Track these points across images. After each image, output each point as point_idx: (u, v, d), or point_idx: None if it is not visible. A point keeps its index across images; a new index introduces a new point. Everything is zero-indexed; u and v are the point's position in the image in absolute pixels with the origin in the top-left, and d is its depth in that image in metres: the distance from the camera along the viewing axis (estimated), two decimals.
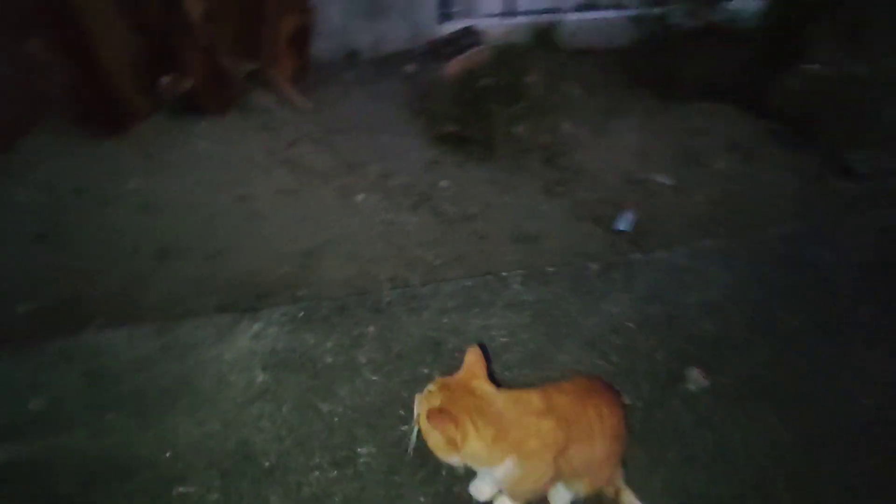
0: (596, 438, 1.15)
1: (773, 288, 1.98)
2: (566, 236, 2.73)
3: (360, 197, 2.79)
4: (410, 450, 1.25)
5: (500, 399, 1.07)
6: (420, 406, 1.08)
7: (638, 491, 1.33)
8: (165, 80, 2.59)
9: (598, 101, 3.58)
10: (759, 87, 3.56)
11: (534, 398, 1.10)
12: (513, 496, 1.21)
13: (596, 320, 1.80)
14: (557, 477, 1.15)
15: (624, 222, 2.80)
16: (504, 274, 1.97)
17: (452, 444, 1.01)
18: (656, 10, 3.86)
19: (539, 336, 1.72)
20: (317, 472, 1.36)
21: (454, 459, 1.07)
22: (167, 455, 1.37)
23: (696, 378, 1.64)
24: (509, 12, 4.49)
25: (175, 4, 2.40)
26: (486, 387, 1.08)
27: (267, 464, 1.37)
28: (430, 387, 1.10)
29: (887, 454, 1.48)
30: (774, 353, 1.74)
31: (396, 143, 3.27)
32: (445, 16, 4.36)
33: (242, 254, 2.36)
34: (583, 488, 1.27)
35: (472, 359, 1.11)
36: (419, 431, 1.11)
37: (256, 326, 1.70)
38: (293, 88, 3.16)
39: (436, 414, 1.00)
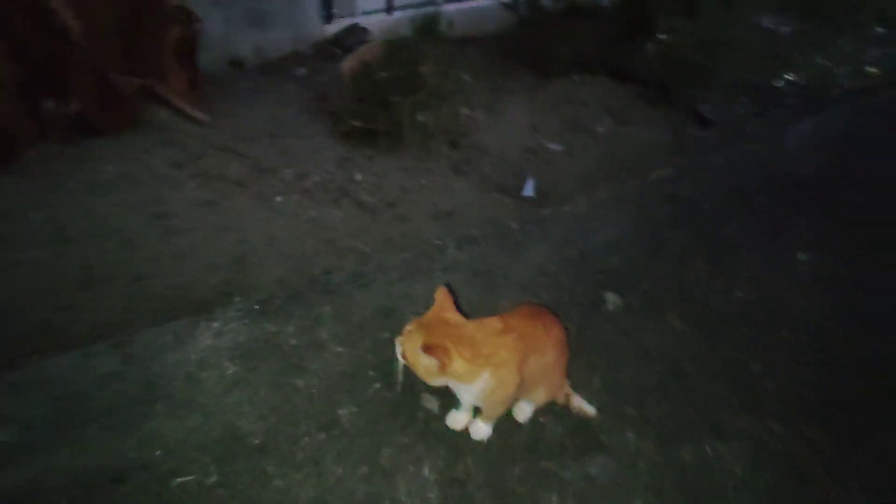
0: (547, 348, 1.43)
1: (658, 220, 2.43)
2: (480, 208, 3.04)
3: (278, 199, 2.88)
4: (399, 386, 1.45)
5: (469, 325, 1.31)
6: (403, 346, 1.29)
7: (582, 394, 1.65)
8: (49, 103, 2.48)
9: (487, 84, 3.95)
10: (622, 58, 4.15)
11: (494, 322, 1.35)
12: (487, 410, 1.45)
13: (523, 268, 2.11)
14: (521, 386, 1.41)
15: (528, 188, 3.18)
16: (437, 242, 2.21)
17: (441, 368, 1.23)
18: None
19: (478, 289, 1.99)
20: (306, 438, 1.50)
21: (440, 382, 1.29)
22: (157, 454, 1.43)
23: (612, 300, 2.00)
24: (389, 8, 4.73)
25: (51, 23, 2.32)
26: (456, 317, 1.32)
27: (257, 441, 1.49)
28: (408, 327, 1.30)
29: (760, 330, 1.94)
30: (667, 270, 2.17)
31: (304, 144, 3.37)
32: (328, 17, 4.50)
33: (170, 271, 2.36)
34: (541, 397, 1.55)
35: (442, 296, 1.34)
36: (404, 367, 1.31)
37: (216, 325, 1.78)
38: (187, 101, 3.14)
39: (430, 347, 1.21)
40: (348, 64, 3.69)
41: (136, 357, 1.65)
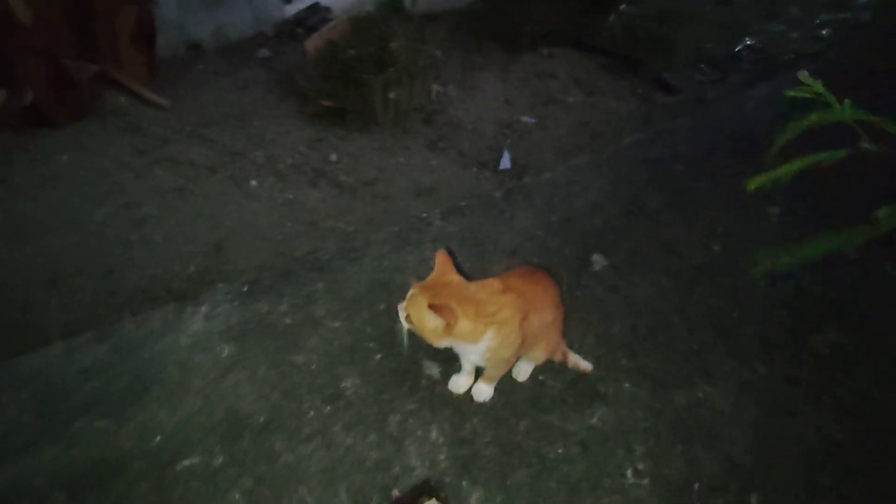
0: (546, 307, 1.46)
1: (634, 182, 2.50)
2: (461, 183, 3.06)
3: (253, 183, 2.82)
4: (404, 351, 1.45)
5: (471, 286, 1.33)
6: (407, 309, 1.29)
7: (577, 350, 1.70)
8: (0, 94, 2.34)
9: (457, 60, 3.94)
10: (587, 30, 4.20)
11: (494, 282, 1.37)
12: (490, 370, 1.48)
13: (511, 235, 2.14)
14: (523, 344, 1.44)
15: (505, 161, 3.21)
16: (424, 215, 2.21)
17: (447, 328, 1.24)
18: None
19: (470, 257, 2.01)
20: (311, 413, 1.50)
21: (445, 343, 1.30)
22: (157, 440, 1.40)
23: (598, 260, 2.06)
24: None
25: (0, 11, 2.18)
26: (458, 278, 1.33)
27: (261, 419, 1.48)
28: (412, 291, 1.31)
29: (737, 280, 2.03)
30: (647, 229, 2.24)
31: (273, 127, 3.30)
32: None
33: (144, 262, 2.29)
34: (540, 356, 1.58)
35: (442, 258, 1.35)
36: (409, 332, 1.32)
37: (204, 309, 1.74)
38: (146, 87, 3.02)
39: (436, 307, 1.22)
40: (313, 43, 3.61)
41: (122, 347, 1.60)
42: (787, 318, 1.92)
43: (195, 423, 1.45)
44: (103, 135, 2.64)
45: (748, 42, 4.10)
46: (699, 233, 2.24)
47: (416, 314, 1.26)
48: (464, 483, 1.39)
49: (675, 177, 2.56)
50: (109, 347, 1.59)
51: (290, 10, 4.27)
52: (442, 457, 1.43)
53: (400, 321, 1.32)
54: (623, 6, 4.21)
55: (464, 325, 1.27)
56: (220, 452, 1.40)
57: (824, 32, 3.82)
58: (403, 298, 1.32)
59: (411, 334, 1.33)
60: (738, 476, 1.46)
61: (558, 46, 4.12)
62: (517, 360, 1.61)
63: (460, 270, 1.36)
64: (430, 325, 1.26)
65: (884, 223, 1.23)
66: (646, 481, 1.43)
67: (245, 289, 1.82)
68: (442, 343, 1.31)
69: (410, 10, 4.40)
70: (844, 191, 2.49)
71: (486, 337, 1.32)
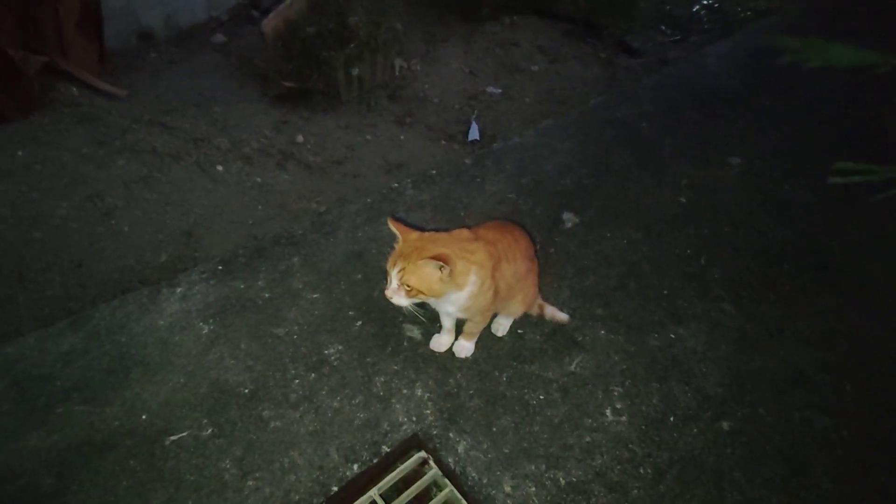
0: (518, 256, 1.52)
1: (601, 143, 2.57)
2: (430, 157, 3.09)
3: (219, 168, 2.80)
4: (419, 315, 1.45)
5: (441, 236, 1.37)
6: (404, 281, 1.28)
7: (553, 303, 1.77)
8: None
9: (419, 33, 3.93)
10: None
11: (464, 231, 1.42)
12: (470, 322, 1.53)
13: (483, 199, 2.19)
14: (498, 295, 1.49)
15: (473, 132, 3.25)
16: (395, 185, 2.24)
17: (451, 274, 1.28)
18: None
19: (443, 222, 2.06)
20: (297, 381, 1.54)
21: (444, 293, 1.32)
22: (143, 418, 1.43)
23: (569, 218, 2.13)
24: None
25: None
26: (424, 234, 1.36)
27: (247, 390, 1.51)
28: (397, 267, 1.29)
29: (703, 228, 2.13)
30: (615, 186, 2.32)
31: (235, 111, 3.26)
32: None
33: (113, 253, 2.27)
34: (517, 310, 1.65)
35: (394, 225, 1.35)
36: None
37: (180, 290, 1.75)
38: (97, 76, 2.95)
39: (441, 256, 1.26)
40: (271, 23, 3.56)
41: (99, 332, 1.61)
42: (751, 260, 2.03)
43: (181, 399, 1.48)
44: (59, 127, 2.58)
45: (705, 2, 4.20)
46: (665, 187, 2.33)
47: (418, 277, 1.28)
48: (451, 434, 1.45)
49: (640, 135, 2.64)
50: (85, 334, 1.60)
51: None
52: (428, 411, 1.50)
53: (403, 305, 1.32)
54: None
55: (460, 266, 1.31)
56: (209, 425, 1.43)
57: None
58: (385, 285, 1.31)
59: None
60: (710, 406, 1.56)
61: (520, 15, 4.15)
62: (496, 316, 1.67)
63: (419, 229, 1.39)
64: (434, 277, 1.28)
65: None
66: (624, 418, 1.52)
67: (220, 268, 1.84)
68: (443, 293, 1.32)
69: None
70: (804, 141, 2.62)
71: (471, 280, 1.36)
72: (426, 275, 1.29)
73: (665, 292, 1.88)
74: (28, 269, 2.14)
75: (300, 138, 3.13)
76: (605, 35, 3.93)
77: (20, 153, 2.44)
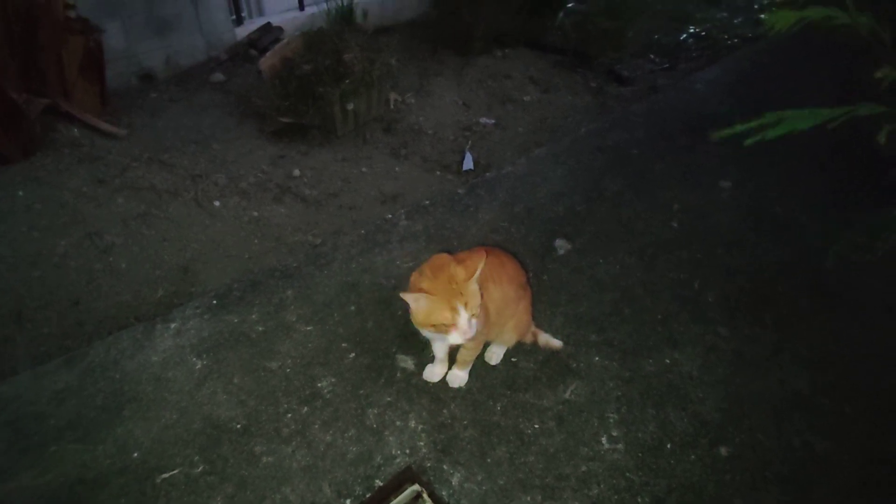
0: (504, 279, 1.53)
1: (594, 170, 2.62)
2: (426, 187, 3.14)
3: (216, 204, 2.85)
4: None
5: (430, 268, 1.39)
6: (469, 308, 1.31)
7: (547, 330, 1.78)
8: None
9: (413, 67, 4.05)
10: (538, 30, 4.37)
11: (443, 257, 1.43)
12: (464, 349, 1.54)
13: (476, 228, 2.23)
14: (488, 321, 1.50)
15: (467, 162, 3.31)
16: (389, 216, 2.28)
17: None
18: None
19: (436, 252, 2.08)
20: (289, 415, 1.54)
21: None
22: (135, 455, 1.42)
23: (562, 245, 2.16)
24: (301, 4, 4.72)
25: None
26: (428, 272, 1.38)
27: (239, 426, 1.51)
28: (458, 304, 1.31)
29: (696, 251, 2.15)
30: (608, 212, 2.36)
31: (233, 148, 3.34)
32: (238, 19, 4.44)
33: (111, 290, 2.30)
34: (511, 338, 1.65)
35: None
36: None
37: (174, 325, 1.77)
38: (98, 117, 3.04)
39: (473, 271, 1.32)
40: (268, 62, 3.67)
41: (93, 369, 1.62)
42: (746, 282, 2.04)
43: (173, 436, 1.48)
44: (59, 167, 2.65)
45: (692, 30, 4.33)
46: (657, 211, 2.36)
47: (475, 298, 1.33)
48: (445, 466, 1.44)
49: (632, 161, 2.69)
50: (80, 371, 1.61)
51: (242, 33, 4.33)
52: (422, 443, 1.49)
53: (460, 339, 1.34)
54: (571, 4, 4.40)
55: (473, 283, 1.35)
56: (200, 461, 1.43)
57: (763, 17, 4.05)
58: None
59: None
60: (708, 432, 1.55)
61: (512, 47, 4.27)
62: (489, 344, 1.68)
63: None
64: (478, 297, 1.34)
65: (863, 109, 1.33)
66: (620, 446, 1.51)
67: (214, 302, 1.86)
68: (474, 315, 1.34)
69: (363, 24, 4.52)
70: (794, 162, 2.66)
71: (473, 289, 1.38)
72: (476, 292, 1.33)
73: (659, 317, 1.88)
74: (26, 307, 2.16)
75: (297, 172, 3.19)
76: (595, 65, 4.05)
77: (21, 193, 2.50)
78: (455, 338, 1.34)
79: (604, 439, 1.52)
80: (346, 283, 1.94)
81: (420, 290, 1.33)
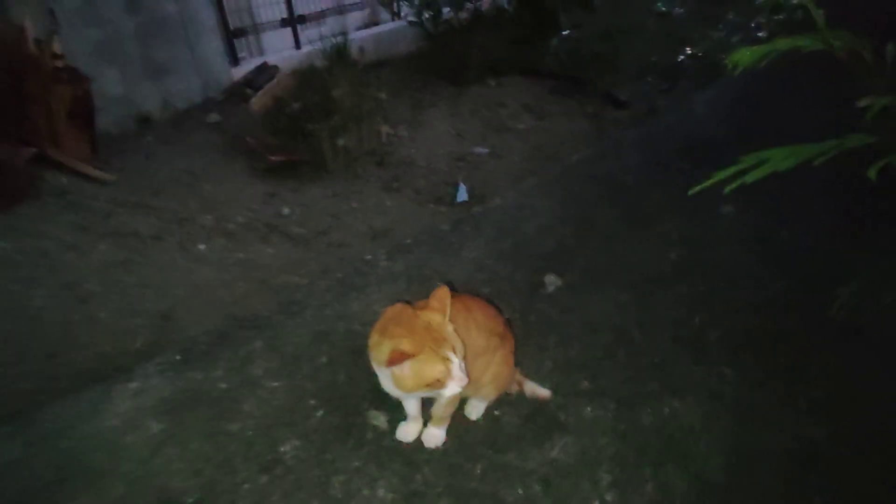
0: (471, 328, 1.38)
1: (586, 200, 2.48)
2: (417, 221, 3.03)
3: (201, 247, 2.77)
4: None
5: (394, 319, 1.26)
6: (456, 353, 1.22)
7: (534, 378, 1.62)
8: None
9: (406, 100, 4.00)
10: (532, 57, 4.30)
11: (398, 306, 1.30)
12: (437, 405, 1.39)
13: (459, 267, 2.09)
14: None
15: (461, 194, 3.20)
16: (368, 257, 2.16)
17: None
18: (427, 14, 4.41)
19: (417, 296, 1.93)
20: (247, 485, 1.39)
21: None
22: None
23: (552, 281, 2.00)
24: (297, 43, 4.74)
25: None
26: (390, 326, 1.25)
27: (191, 500, 1.37)
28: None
29: (696, 285, 1.99)
30: (601, 245, 2.21)
31: (223, 188, 3.28)
32: (234, 59, 4.46)
33: (88, 341, 2.21)
34: (490, 391, 1.50)
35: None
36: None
37: (134, 385, 1.65)
38: (87, 164, 3.01)
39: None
40: (259, 101, 3.66)
41: (41, 438, 1.50)
42: (752, 318, 1.86)
43: None
44: (43, 216, 2.60)
45: (689, 51, 4.21)
46: (654, 242, 2.20)
47: (455, 340, 1.25)
48: None
49: (625, 189, 2.55)
50: (26, 441, 1.49)
51: (239, 73, 4.34)
52: None
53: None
54: (564, 31, 4.33)
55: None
56: None
57: (761, 34, 3.93)
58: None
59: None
60: (711, 496, 1.36)
61: (506, 76, 4.21)
62: (467, 398, 1.53)
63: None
64: (457, 336, 1.26)
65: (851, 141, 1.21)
66: None
67: (178, 357, 1.74)
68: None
69: (359, 60, 4.50)
70: (799, 186, 2.48)
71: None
72: (454, 331, 1.26)
73: (657, 360, 1.71)
74: (0, 363, 2.07)
75: (286, 210, 3.12)
76: (591, 89, 3.94)
77: (3, 244, 2.45)
78: (453, 388, 1.22)
79: None
80: (318, 333, 1.81)
81: (403, 355, 1.18)
